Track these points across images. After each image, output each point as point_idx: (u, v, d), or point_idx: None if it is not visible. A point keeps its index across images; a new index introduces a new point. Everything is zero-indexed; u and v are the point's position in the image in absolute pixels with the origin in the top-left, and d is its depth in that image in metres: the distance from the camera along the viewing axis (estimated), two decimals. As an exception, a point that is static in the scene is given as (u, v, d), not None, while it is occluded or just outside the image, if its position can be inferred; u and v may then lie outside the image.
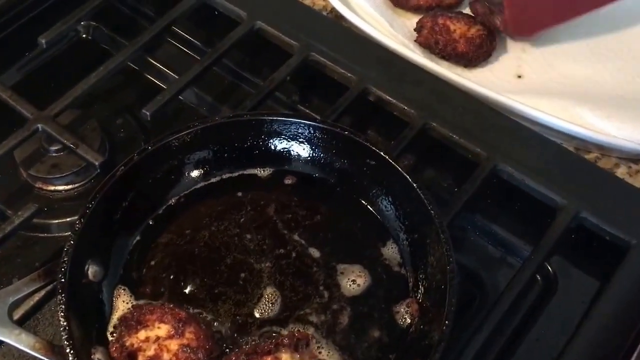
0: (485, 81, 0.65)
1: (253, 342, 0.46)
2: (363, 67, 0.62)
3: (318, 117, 0.53)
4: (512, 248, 0.59)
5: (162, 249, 0.50)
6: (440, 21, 0.66)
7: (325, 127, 0.52)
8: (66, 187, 0.59)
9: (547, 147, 0.59)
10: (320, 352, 0.46)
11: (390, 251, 0.51)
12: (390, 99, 0.60)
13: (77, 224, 0.46)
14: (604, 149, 0.62)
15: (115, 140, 0.63)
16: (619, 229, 0.54)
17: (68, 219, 0.57)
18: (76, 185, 0.59)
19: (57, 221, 0.57)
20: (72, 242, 0.45)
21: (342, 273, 0.50)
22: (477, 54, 0.65)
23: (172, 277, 0.49)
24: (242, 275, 0.49)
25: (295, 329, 0.47)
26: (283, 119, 0.53)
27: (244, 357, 0.43)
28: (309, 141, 0.53)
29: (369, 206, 0.53)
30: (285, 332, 0.46)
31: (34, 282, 0.46)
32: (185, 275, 0.49)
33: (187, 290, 0.48)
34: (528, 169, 0.56)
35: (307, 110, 0.66)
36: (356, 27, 0.65)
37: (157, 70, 0.70)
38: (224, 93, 0.69)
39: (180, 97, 0.62)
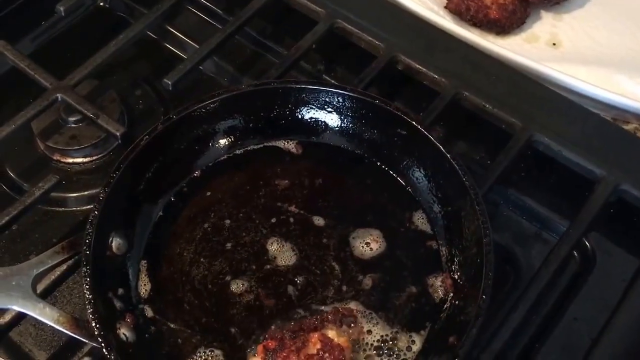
0: (519, 49, 0.62)
1: (297, 318, 0.45)
2: (391, 35, 0.59)
3: (347, 86, 0.51)
4: (548, 223, 0.56)
5: (187, 223, 0.49)
6: (472, -14, 0.63)
7: (355, 95, 0.50)
8: (84, 160, 0.57)
9: (585, 117, 0.56)
10: (362, 326, 0.45)
11: (421, 222, 0.49)
12: (420, 67, 0.58)
13: (101, 194, 0.44)
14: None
15: (134, 112, 0.61)
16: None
17: (86, 193, 0.55)
18: (95, 157, 0.58)
19: (75, 195, 0.56)
20: (96, 212, 0.43)
21: (366, 243, 0.48)
22: (510, 21, 0.62)
23: (196, 254, 0.47)
24: (269, 248, 0.48)
25: (340, 306, 0.45)
26: (311, 87, 0.51)
27: (290, 334, 0.42)
28: (337, 110, 0.51)
29: (399, 178, 0.51)
30: (328, 309, 0.45)
31: (57, 254, 0.44)
32: (212, 252, 0.48)
33: (213, 269, 0.47)
34: (565, 140, 0.54)
35: (333, 81, 0.64)
36: (384, -7, 0.63)
37: (176, 40, 0.68)
38: (245, 63, 0.66)
39: (200, 67, 0.61)
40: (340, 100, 0.50)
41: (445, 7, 0.63)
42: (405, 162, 0.50)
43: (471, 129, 0.59)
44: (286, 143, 0.52)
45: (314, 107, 0.51)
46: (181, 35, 0.68)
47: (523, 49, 0.62)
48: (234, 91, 0.50)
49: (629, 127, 0.60)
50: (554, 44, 0.63)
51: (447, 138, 0.60)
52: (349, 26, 0.60)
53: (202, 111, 0.49)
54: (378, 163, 0.51)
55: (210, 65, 0.65)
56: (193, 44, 0.67)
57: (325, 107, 0.51)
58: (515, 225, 0.57)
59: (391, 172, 0.51)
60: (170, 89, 0.56)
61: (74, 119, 0.57)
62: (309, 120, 0.52)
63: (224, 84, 0.65)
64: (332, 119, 0.52)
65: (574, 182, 0.54)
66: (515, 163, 0.54)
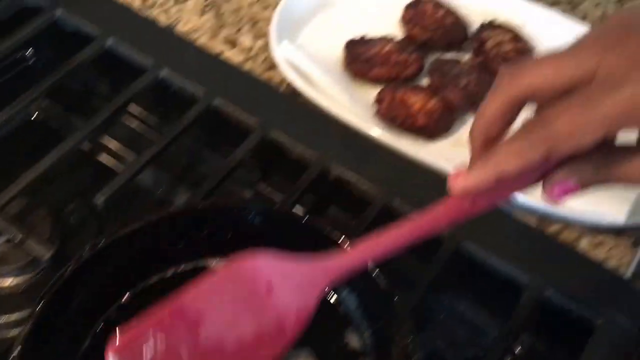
0: (446, 153, 0.64)
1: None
2: (323, 145, 0.61)
3: (274, 206, 0.52)
4: (480, 328, 0.57)
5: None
6: (399, 94, 0.65)
7: (282, 214, 0.51)
8: (12, 282, 0.56)
9: (509, 222, 0.58)
10: None
11: (352, 341, 0.49)
12: (350, 177, 0.59)
13: (23, 332, 0.43)
14: (568, 220, 0.61)
15: (67, 228, 0.60)
16: (584, 306, 0.53)
17: (14, 316, 0.54)
18: (25, 277, 0.56)
19: (2, 320, 0.54)
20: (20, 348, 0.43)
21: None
22: (436, 127, 0.65)
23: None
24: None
25: None
26: (238, 207, 0.51)
27: None
28: (265, 229, 0.52)
29: (327, 297, 0.51)
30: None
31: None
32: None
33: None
34: (491, 247, 0.56)
35: (269, 189, 0.65)
36: (315, 102, 0.65)
37: (111, 150, 0.68)
38: (181, 172, 0.67)
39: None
40: (268, 219, 0.51)
41: (375, 115, 0.66)
42: (335, 279, 0.51)
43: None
44: (216, 262, 0.52)
45: (242, 225, 0.52)
46: (116, 145, 0.68)
47: (450, 153, 0.64)
48: (161, 215, 0.50)
49: (553, 228, 0.62)
50: (480, 148, 0.65)
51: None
52: (281, 137, 0.62)
53: (129, 236, 0.49)
54: (309, 280, 0.52)
55: (147, 175, 0.66)
56: (128, 154, 0.67)
57: (253, 225, 0.52)
58: (447, 330, 0.58)
59: (321, 289, 0.51)
60: (101, 208, 0.56)
61: (1, 240, 0.56)
62: (238, 238, 0.52)
63: (159, 195, 0.66)
64: (260, 237, 0.52)
65: (503, 287, 0.56)
66: (445, 270, 0.55)
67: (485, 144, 0.38)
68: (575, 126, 0.34)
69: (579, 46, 0.36)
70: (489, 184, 0.37)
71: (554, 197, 0.37)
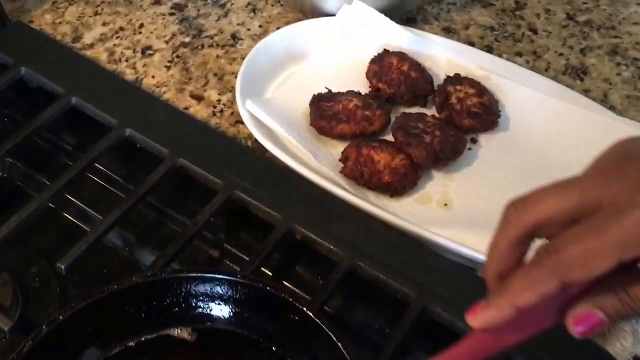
0: (412, 211, 0.65)
1: None
2: (288, 204, 0.61)
3: (237, 273, 0.52)
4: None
5: None
6: (364, 151, 0.66)
7: (246, 282, 0.51)
8: (-27, 351, 0.55)
9: (475, 283, 0.58)
10: None
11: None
12: (316, 238, 0.59)
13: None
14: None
15: (30, 292, 0.59)
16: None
17: (-27, 389, 0.53)
18: (-16, 346, 0.56)
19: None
20: None
21: None
22: (402, 184, 0.65)
23: None
24: None
25: None
26: (201, 275, 0.51)
27: None
28: (229, 297, 0.51)
29: (293, 366, 0.51)
30: None
31: None
32: None
33: None
34: (456, 309, 0.56)
35: (234, 250, 0.64)
36: (281, 161, 0.65)
37: (75, 208, 0.67)
38: (147, 231, 0.67)
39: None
40: (232, 287, 0.51)
41: (341, 172, 0.66)
42: (300, 347, 0.51)
43: (369, 297, 0.60)
44: (180, 331, 0.52)
45: (206, 294, 0.51)
46: (80, 204, 0.68)
47: (416, 210, 0.65)
48: (124, 285, 0.49)
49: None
50: (445, 204, 0.66)
51: (345, 306, 0.61)
52: (247, 197, 0.61)
53: (90, 307, 0.49)
54: (273, 348, 0.51)
55: (113, 234, 0.65)
56: (93, 212, 0.67)
57: (217, 293, 0.51)
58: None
59: (287, 358, 0.51)
60: (64, 273, 0.55)
61: (-41, 309, 0.55)
62: (202, 306, 0.52)
63: (125, 255, 0.65)
64: (225, 305, 0.52)
65: None
66: (412, 333, 0.55)
67: (499, 279, 0.38)
68: (586, 254, 0.34)
69: (582, 176, 0.37)
70: (507, 317, 0.37)
71: (579, 333, 0.37)
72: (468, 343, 0.41)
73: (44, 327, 0.47)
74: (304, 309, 0.49)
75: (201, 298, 0.51)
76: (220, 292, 0.51)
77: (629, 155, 0.36)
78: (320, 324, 0.48)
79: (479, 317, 0.38)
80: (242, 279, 0.51)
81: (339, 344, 0.47)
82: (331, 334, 0.48)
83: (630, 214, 0.34)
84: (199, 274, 0.51)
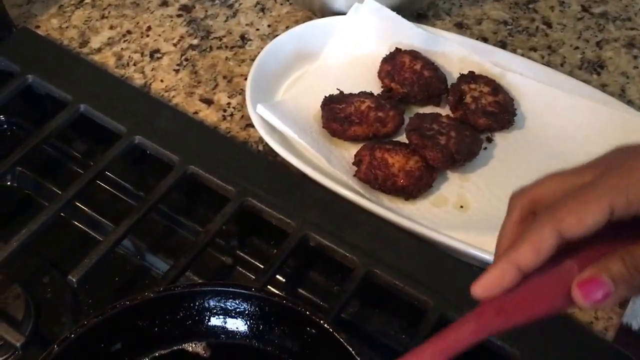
0: (427, 214, 0.63)
1: None
2: (302, 211, 0.60)
3: (252, 287, 0.51)
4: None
5: None
6: (378, 154, 0.64)
7: (261, 296, 0.50)
8: (-14, 366, 0.55)
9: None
10: None
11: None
12: (330, 245, 0.58)
13: None
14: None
15: (42, 303, 0.59)
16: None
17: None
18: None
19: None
20: None
21: None
22: (417, 187, 0.64)
23: None
24: None
25: None
26: (216, 289, 0.50)
27: None
28: (244, 310, 0.50)
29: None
30: None
31: None
32: None
33: None
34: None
35: (247, 257, 0.64)
36: (293, 166, 0.64)
37: (86, 217, 0.67)
38: (159, 238, 0.66)
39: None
40: (247, 300, 0.50)
41: (354, 176, 0.65)
42: (317, 360, 0.50)
43: (385, 304, 0.59)
44: (194, 346, 0.51)
45: (221, 307, 0.50)
46: (91, 212, 0.67)
47: (432, 213, 0.64)
48: (136, 300, 0.48)
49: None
50: (462, 207, 0.64)
51: (361, 312, 0.60)
52: (259, 204, 0.60)
53: (103, 324, 0.48)
54: (290, 362, 0.50)
55: (125, 242, 0.64)
56: (104, 220, 0.66)
57: (232, 307, 0.50)
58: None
59: (304, 372, 0.50)
60: (75, 286, 0.55)
61: (-28, 323, 0.55)
62: (216, 320, 0.51)
63: (137, 262, 0.64)
64: (241, 319, 0.51)
65: (491, 355, 0.55)
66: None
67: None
68: (577, 202, 0.36)
69: (581, 166, 0.39)
70: (510, 280, 0.37)
71: (584, 296, 0.36)
72: (476, 320, 0.38)
73: (55, 346, 0.46)
74: (322, 322, 0.48)
75: (215, 312, 0.50)
76: (235, 305, 0.50)
77: (629, 152, 0.38)
78: (340, 338, 0.47)
79: (482, 282, 0.37)
80: (257, 292, 0.50)
81: (358, 359, 0.47)
82: (350, 349, 0.47)
83: (621, 167, 0.36)
84: (212, 288, 0.50)
